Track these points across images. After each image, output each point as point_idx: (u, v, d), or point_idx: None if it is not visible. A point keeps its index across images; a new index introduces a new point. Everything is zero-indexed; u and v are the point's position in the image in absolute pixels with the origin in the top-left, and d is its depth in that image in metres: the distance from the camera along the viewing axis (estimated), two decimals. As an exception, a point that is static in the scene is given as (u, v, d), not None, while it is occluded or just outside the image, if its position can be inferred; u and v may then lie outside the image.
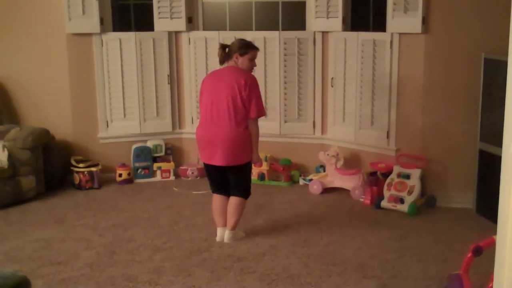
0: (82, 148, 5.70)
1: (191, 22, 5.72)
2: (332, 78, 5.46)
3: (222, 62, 4.16)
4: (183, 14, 5.60)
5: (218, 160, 4.00)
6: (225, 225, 4.17)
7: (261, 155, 5.49)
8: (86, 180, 5.43)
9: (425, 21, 4.72)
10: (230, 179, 4.13)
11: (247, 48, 4.11)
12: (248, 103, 3.97)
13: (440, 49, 4.75)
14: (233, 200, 4.13)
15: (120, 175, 5.63)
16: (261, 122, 5.50)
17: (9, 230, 4.44)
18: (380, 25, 5.12)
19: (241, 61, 4.09)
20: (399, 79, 4.97)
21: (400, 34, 4.90)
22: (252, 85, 3.99)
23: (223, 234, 4.17)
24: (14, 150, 5.04)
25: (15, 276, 2.58)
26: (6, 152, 4.98)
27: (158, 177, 5.76)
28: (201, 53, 5.70)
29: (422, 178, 4.88)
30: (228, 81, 3.99)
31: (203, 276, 3.61)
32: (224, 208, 4.16)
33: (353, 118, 5.35)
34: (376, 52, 5.08)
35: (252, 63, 4.14)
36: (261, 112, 4.07)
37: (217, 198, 4.19)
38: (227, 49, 4.13)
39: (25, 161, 5.07)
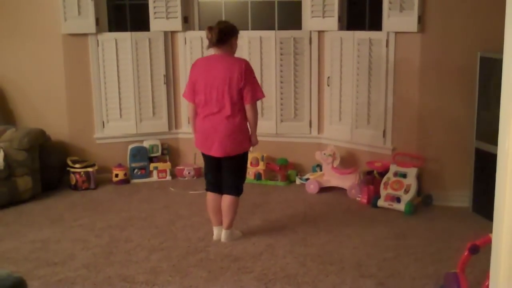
0: (78, 149, 5.69)
1: (187, 22, 5.72)
2: (328, 77, 5.46)
3: (215, 45, 3.98)
4: (179, 14, 5.60)
5: (216, 151, 3.99)
6: (221, 223, 4.16)
7: (258, 154, 5.52)
8: (82, 181, 5.42)
9: (421, 20, 4.72)
10: (223, 173, 4.10)
11: (236, 28, 4.06)
12: (243, 90, 3.91)
13: (436, 47, 4.76)
14: (226, 199, 4.10)
15: (117, 175, 5.62)
16: (258, 121, 5.52)
17: (5, 231, 4.42)
18: (376, 24, 5.12)
19: (234, 43, 4.05)
20: (395, 78, 4.98)
21: (396, 33, 4.90)
22: (247, 72, 3.92)
23: (219, 233, 4.16)
24: (10, 151, 5.03)
25: (11, 277, 2.57)
26: (2, 153, 4.96)
27: (154, 177, 5.75)
28: (197, 52, 5.69)
29: (419, 177, 4.88)
30: (225, 71, 3.90)
31: (200, 276, 3.61)
32: (218, 207, 4.14)
33: (349, 117, 5.36)
34: (372, 51, 5.09)
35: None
36: (256, 96, 3.99)
37: (211, 197, 4.17)
38: (221, 33, 3.94)
39: (21, 162, 5.06)
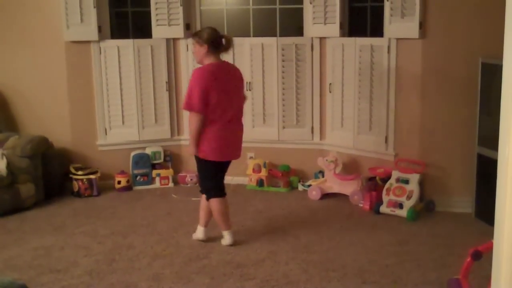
0: (81, 156, 5.70)
1: (189, 29, 5.73)
2: (330, 83, 5.47)
3: (222, 52, 4.02)
4: (181, 21, 5.62)
5: (237, 154, 4.18)
6: (230, 227, 4.20)
7: (260, 161, 5.53)
8: (85, 188, 5.43)
9: (422, 26, 4.73)
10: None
11: None
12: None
13: (437, 53, 4.76)
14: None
15: (119, 182, 5.63)
16: (260, 128, 5.55)
17: (8, 238, 4.43)
18: (377, 31, 5.13)
19: None
20: (397, 84, 4.98)
21: (397, 39, 4.91)
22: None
23: (230, 237, 4.20)
24: (13, 158, 5.05)
25: (14, 285, 2.57)
26: (5, 160, 4.98)
27: (157, 184, 5.76)
28: (199, 59, 5.71)
29: (421, 183, 4.88)
30: (237, 79, 4.13)
31: (202, 283, 3.61)
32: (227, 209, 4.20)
33: (351, 123, 5.36)
34: (374, 57, 5.09)
35: None
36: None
37: (225, 202, 4.17)
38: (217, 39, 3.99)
39: (24, 169, 5.07)
